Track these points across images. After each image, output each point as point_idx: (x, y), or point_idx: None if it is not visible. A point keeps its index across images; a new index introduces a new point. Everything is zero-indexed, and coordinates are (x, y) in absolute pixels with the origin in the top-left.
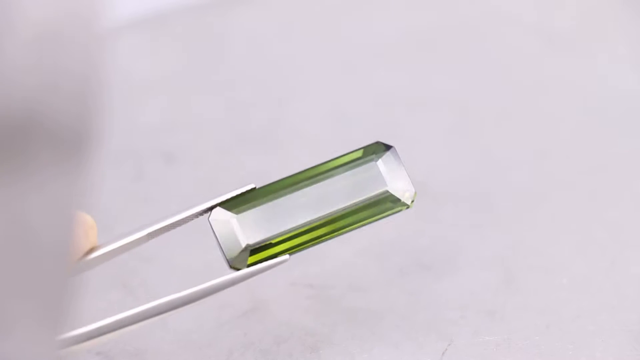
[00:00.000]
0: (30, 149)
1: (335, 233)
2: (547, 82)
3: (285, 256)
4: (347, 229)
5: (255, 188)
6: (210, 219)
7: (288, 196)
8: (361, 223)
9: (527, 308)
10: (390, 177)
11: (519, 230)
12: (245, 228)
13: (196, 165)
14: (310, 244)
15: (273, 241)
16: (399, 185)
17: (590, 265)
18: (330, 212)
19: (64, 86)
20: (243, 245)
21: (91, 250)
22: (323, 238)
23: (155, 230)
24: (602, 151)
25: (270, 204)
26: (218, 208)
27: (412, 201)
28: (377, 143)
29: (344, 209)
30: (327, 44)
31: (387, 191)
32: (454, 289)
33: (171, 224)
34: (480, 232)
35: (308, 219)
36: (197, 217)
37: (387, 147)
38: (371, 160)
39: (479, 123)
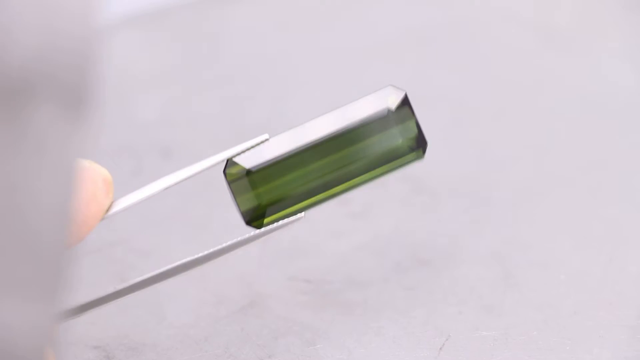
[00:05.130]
0: (31, 106)
1: (349, 183)
2: (545, 78)
3: (301, 214)
4: (360, 178)
5: (268, 139)
6: (225, 171)
7: (302, 149)
8: (374, 172)
9: (525, 303)
10: (403, 129)
11: (517, 226)
12: (260, 183)
13: (193, 160)
14: (324, 195)
15: (287, 195)
16: (411, 136)
17: (588, 261)
18: (343, 159)
19: (63, 45)
20: (257, 203)
21: (110, 206)
22: (337, 189)
23: (171, 185)
24: (600, 148)
25: (284, 157)
26: (232, 161)
27: (424, 152)
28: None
29: (356, 154)
30: (324, 40)
31: (398, 138)
32: (452, 284)
33: (187, 177)
34: (478, 227)
35: (321, 170)
36: (211, 168)
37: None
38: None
39: (478, 119)
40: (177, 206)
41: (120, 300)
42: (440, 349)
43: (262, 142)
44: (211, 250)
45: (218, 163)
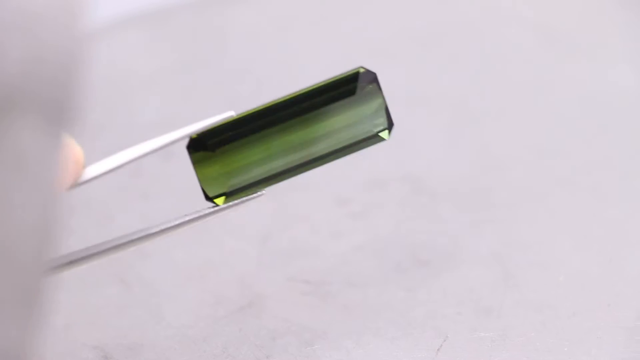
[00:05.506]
0: (12, 119)
1: (312, 162)
2: (546, 79)
3: (263, 191)
4: (324, 157)
5: (233, 116)
6: (188, 147)
7: (267, 129)
8: (338, 152)
9: (523, 305)
10: (371, 108)
11: (517, 227)
12: (223, 161)
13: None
14: (287, 174)
15: (250, 174)
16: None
17: (587, 262)
18: (308, 137)
19: (47, 59)
20: (219, 181)
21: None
22: (301, 166)
23: (140, 155)
24: (600, 149)
25: (248, 137)
26: (196, 138)
27: (389, 132)
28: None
29: (322, 131)
30: (326, 41)
31: (363, 113)
32: (451, 285)
33: (155, 148)
34: (477, 228)
35: (285, 147)
36: (176, 142)
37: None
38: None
39: (478, 120)
40: (177, 206)
41: (107, 255)
42: (438, 350)
43: (227, 119)
44: (173, 223)
45: (183, 137)
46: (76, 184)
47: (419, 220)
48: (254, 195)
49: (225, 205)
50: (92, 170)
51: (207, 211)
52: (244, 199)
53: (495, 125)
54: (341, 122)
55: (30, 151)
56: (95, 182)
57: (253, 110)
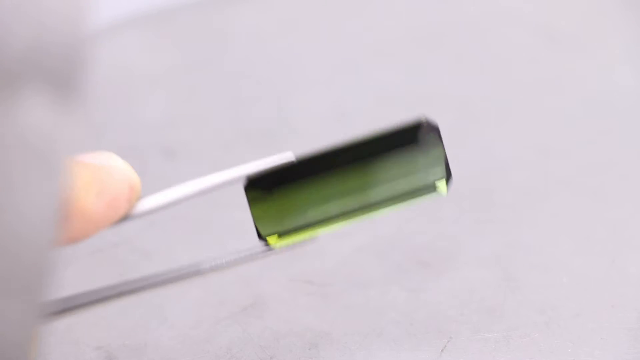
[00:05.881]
0: (20, 95)
1: (368, 212)
2: (548, 80)
3: (315, 236)
4: (380, 208)
5: (293, 161)
6: (246, 189)
7: (326, 177)
8: (395, 204)
9: (526, 306)
10: (430, 164)
11: (520, 228)
12: (279, 203)
13: (197, 161)
14: (342, 221)
15: (305, 220)
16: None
17: (590, 263)
18: (365, 188)
19: (54, 40)
20: (275, 226)
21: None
22: (355, 216)
23: (196, 192)
24: (603, 150)
25: (307, 184)
26: (254, 178)
27: (445, 181)
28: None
29: (380, 184)
30: (328, 41)
31: (425, 174)
32: (454, 286)
33: (212, 186)
34: (480, 229)
35: (342, 197)
36: (234, 182)
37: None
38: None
39: (480, 121)
40: (180, 207)
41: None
42: (442, 350)
43: (286, 163)
44: (219, 261)
45: (239, 178)
46: (130, 216)
47: (421, 221)
48: (308, 239)
49: (278, 246)
50: (147, 203)
51: (259, 250)
52: (297, 242)
53: (497, 126)
54: (398, 169)
55: (39, 128)
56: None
57: (312, 154)
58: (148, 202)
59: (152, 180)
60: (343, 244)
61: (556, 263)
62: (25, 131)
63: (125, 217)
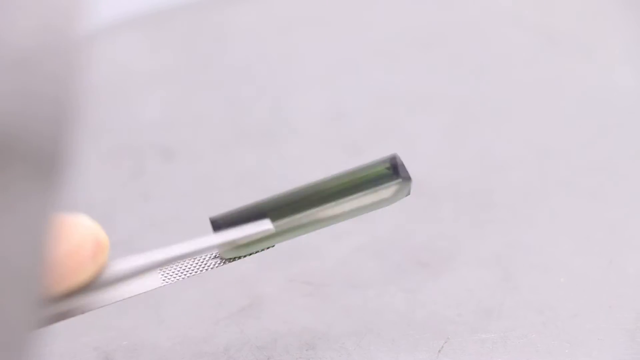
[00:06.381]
0: (3, 170)
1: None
2: (547, 80)
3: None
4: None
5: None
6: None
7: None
8: (351, 215)
9: (524, 306)
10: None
11: (518, 228)
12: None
13: (196, 161)
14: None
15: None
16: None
17: (588, 264)
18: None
19: (39, 111)
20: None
21: (99, 272)
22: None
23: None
24: (601, 150)
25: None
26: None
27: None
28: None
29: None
30: (328, 41)
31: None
32: (452, 287)
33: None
34: (478, 230)
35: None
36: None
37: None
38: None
39: (479, 121)
40: (178, 208)
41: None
42: (439, 351)
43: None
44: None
45: (212, 247)
46: (100, 280)
47: (419, 221)
48: (264, 248)
49: (232, 256)
50: (119, 265)
51: (210, 263)
52: (253, 250)
53: (496, 126)
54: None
55: (20, 197)
56: (96, 182)
57: (277, 196)
58: (120, 264)
59: (150, 181)
60: (341, 244)
61: (554, 263)
62: (7, 198)
63: (96, 282)
